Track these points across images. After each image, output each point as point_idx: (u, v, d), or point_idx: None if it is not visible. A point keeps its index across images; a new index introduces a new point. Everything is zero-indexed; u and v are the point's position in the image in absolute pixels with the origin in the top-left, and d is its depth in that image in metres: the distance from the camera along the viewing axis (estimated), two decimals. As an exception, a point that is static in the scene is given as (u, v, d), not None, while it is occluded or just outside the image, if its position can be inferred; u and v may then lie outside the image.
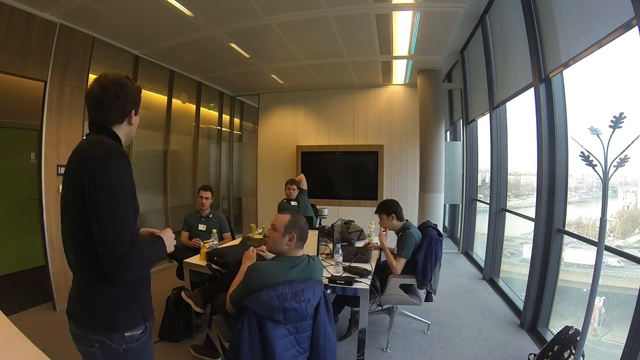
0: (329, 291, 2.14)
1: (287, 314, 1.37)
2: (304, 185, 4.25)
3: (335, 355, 1.56)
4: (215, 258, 2.41)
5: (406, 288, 2.56)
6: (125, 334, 1.03)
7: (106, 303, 1.02)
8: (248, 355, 1.34)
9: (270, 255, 1.86)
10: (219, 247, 2.70)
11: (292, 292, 1.41)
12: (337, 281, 2.15)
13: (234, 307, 1.52)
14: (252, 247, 1.92)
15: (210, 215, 3.25)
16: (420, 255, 2.47)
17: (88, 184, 0.93)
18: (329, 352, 1.50)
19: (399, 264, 2.51)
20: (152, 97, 4.63)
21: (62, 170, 3.17)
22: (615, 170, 1.54)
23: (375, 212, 2.76)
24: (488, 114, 3.99)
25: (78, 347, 1.06)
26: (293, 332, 1.43)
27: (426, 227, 2.67)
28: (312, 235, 2.51)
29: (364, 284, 2.15)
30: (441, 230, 2.92)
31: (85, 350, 1.04)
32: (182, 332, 2.59)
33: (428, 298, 2.70)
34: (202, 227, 3.17)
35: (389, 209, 2.64)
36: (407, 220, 2.70)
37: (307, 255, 1.65)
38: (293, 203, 4.07)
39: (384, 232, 2.66)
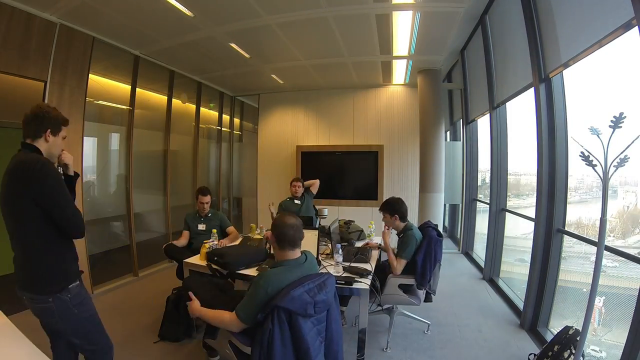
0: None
1: (317, 307, 1.44)
2: (314, 190, 4.11)
3: (342, 337, 1.65)
4: (215, 258, 2.41)
5: (405, 288, 2.56)
6: (70, 287, 1.48)
7: (59, 267, 1.49)
8: (281, 354, 1.36)
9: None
10: (219, 247, 2.70)
11: (317, 286, 1.48)
12: (337, 281, 2.15)
13: (247, 322, 1.50)
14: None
15: (209, 214, 3.26)
16: (420, 256, 2.47)
17: (39, 188, 1.35)
18: (339, 335, 1.59)
19: (399, 265, 2.51)
20: (152, 97, 4.63)
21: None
22: (615, 170, 1.54)
23: (379, 210, 2.75)
24: (488, 114, 3.99)
25: (33, 308, 1.53)
26: (316, 323, 1.49)
27: (426, 228, 2.67)
28: (312, 235, 2.52)
29: (364, 284, 2.15)
30: (441, 231, 2.92)
31: (40, 308, 1.49)
32: (182, 332, 2.59)
33: (427, 299, 2.70)
34: (201, 226, 3.17)
35: (392, 209, 2.64)
36: (408, 221, 2.69)
37: (303, 251, 1.69)
38: (297, 202, 3.97)
39: (388, 230, 2.67)
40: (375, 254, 2.86)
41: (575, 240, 2.55)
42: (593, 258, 1.86)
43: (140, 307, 3.26)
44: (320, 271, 1.84)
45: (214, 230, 2.82)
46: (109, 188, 4.11)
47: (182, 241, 3.12)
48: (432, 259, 2.49)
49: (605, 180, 1.56)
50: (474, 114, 4.81)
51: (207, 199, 3.21)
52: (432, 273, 2.52)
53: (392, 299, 2.55)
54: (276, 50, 4.14)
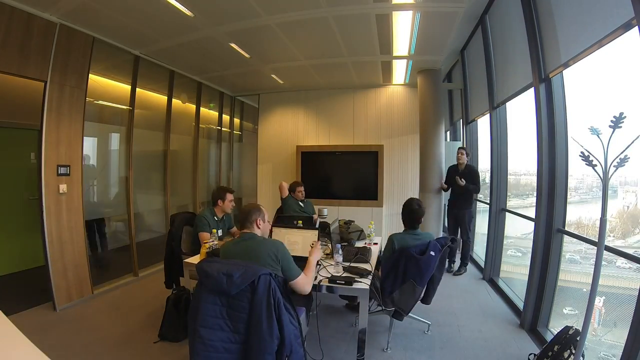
0: (324, 290, 2.15)
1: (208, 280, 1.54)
2: (284, 193, 4.03)
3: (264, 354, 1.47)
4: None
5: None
6: None
7: None
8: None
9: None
10: (219, 247, 2.69)
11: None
12: (337, 281, 2.15)
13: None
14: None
15: (224, 217, 3.14)
16: (386, 263, 2.41)
17: None
18: (257, 346, 1.46)
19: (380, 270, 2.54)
20: (152, 97, 4.63)
21: (62, 170, 3.18)
22: (615, 170, 1.54)
23: None
24: (488, 114, 3.99)
25: None
26: (221, 303, 1.53)
27: (423, 243, 2.42)
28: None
29: (364, 284, 2.15)
30: (441, 231, 2.89)
31: None
32: (182, 332, 2.59)
33: (396, 316, 2.52)
34: (219, 232, 2.97)
35: (402, 213, 2.59)
36: (408, 228, 2.57)
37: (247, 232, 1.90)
38: (301, 204, 4.03)
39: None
40: (375, 254, 2.86)
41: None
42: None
43: (140, 307, 3.26)
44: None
45: (214, 230, 2.82)
46: (109, 188, 4.11)
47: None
48: (398, 272, 2.35)
49: (605, 180, 1.56)
50: (474, 114, 4.81)
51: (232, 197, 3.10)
52: (396, 287, 2.37)
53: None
54: (276, 50, 4.14)
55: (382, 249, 2.59)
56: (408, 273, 2.34)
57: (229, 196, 3.08)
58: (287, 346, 1.50)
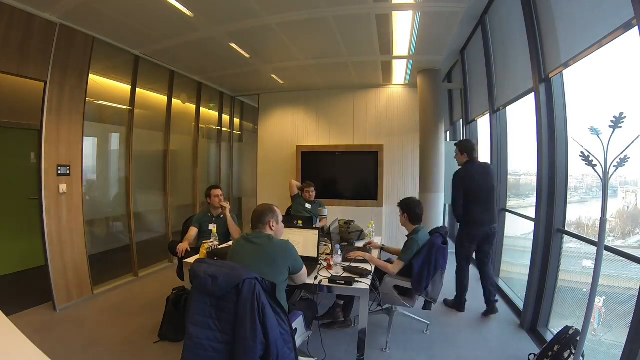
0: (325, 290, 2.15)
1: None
2: (293, 192, 4.20)
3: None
4: (215, 258, 2.41)
5: (403, 290, 2.53)
6: None
7: None
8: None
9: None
10: (219, 247, 2.70)
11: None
12: (337, 281, 2.15)
13: None
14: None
15: (222, 216, 3.19)
16: (417, 261, 2.43)
17: None
18: (241, 349, 1.46)
19: (396, 267, 2.50)
20: (152, 97, 4.63)
21: (62, 170, 3.18)
22: (615, 170, 1.54)
23: (398, 205, 2.76)
24: (488, 114, 3.99)
25: None
26: (210, 303, 1.54)
27: (434, 234, 2.61)
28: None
29: (364, 284, 2.15)
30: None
31: None
32: (182, 332, 2.58)
33: (426, 306, 2.67)
34: (211, 226, 3.06)
35: (405, 207, 2.65)
36: (418, 225, 2.65)
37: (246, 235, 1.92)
38: (308, 205, 4.03)
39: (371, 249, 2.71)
40: (375, 253, 2.86)
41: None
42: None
43: (140, 307, 3.26)
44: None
45: (214, 230, 2.81)
46: (109, 188, 4.11)
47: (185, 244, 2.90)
48: (432, 266, 2.44)
49: (605, 180, 1.56)
50: (474, 114, 4.80)
51: (219, 191, 3.21)
52: (430, 280, 2.46)
53: (385, 298, 2.51)
54: (276, 50, 4.14)
55: (401, 252, 2.58)
56: (438, 264, 2.48)
57: (213, 192, 3.20)
58: (273, 351, 1.49)
